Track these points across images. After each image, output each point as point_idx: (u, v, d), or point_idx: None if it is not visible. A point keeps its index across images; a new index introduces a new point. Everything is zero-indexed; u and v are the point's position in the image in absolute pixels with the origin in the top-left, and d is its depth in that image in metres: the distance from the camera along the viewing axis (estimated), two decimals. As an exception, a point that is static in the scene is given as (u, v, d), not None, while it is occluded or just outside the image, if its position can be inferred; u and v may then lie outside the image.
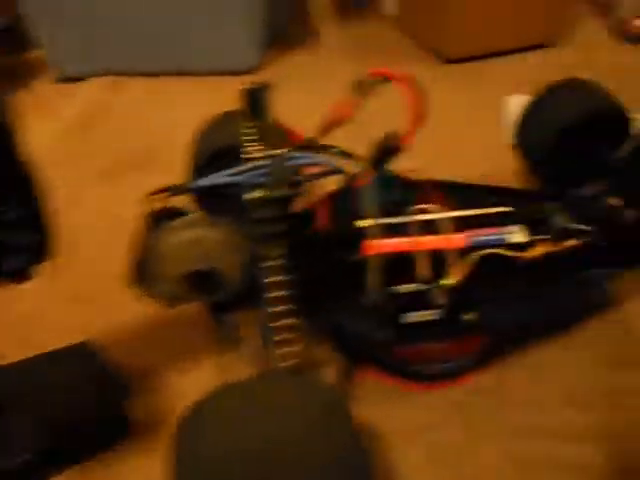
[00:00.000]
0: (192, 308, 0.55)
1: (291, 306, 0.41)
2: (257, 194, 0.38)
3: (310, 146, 0.58)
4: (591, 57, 1.19)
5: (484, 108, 1.01)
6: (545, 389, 0.55)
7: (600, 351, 0.59)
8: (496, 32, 1.13)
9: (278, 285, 0.40)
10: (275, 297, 0.41)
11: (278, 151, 0.44)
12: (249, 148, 0.48)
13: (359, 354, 0.57)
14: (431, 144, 0.92)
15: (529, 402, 0.55)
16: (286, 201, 0.39)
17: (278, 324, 0.41)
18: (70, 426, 0.48)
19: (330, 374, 0.56)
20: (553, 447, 0.51)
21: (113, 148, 0.92)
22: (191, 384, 0.56)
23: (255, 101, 0.50)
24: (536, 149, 0.70)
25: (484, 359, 0.57)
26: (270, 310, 0.41)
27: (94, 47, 1.06)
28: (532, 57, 1.18)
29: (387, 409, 0.54)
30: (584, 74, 1.11)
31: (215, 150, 0.57)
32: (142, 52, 1.07)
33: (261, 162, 0.45)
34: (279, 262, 0.39)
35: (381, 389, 0.56)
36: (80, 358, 0.55)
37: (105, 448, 0.51)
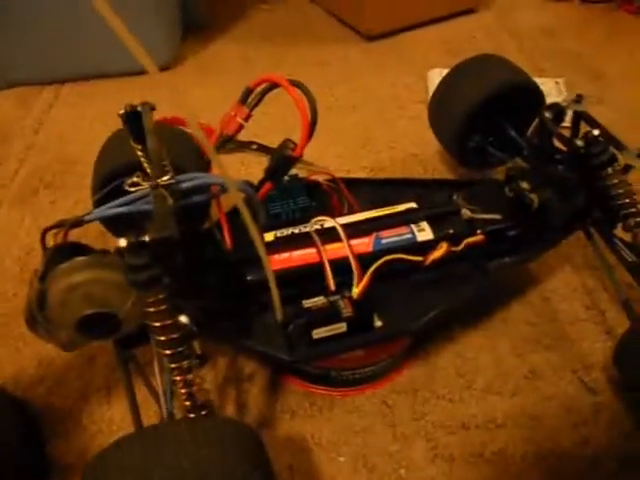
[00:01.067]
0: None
1: (184, 348, 0.39)
2: (127, 240, 0.36)
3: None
4: (515, 19, 1.18)
5: (408, 85, 0.99)
6: (468, 379, 0.56)
7: (520, 333, 0.59)
8: (414, 3, 1.10)
9: (166, 329, 0.38)
10: (166, 340, 0.39)
11: (158, 180, 0.41)
12: (134, 177, 0.46)
13: (280, 368, 0.57)
14: (355, 130, 0.90)
15: (453, 394, 0.55)
16: (168, 240, 0.37)
17: (174, 366, 0.40)
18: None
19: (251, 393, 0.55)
20: (477, 437, 0.52)
21: (24, 167, 0.87)
22: (112, 421, 0.55)
23: (137, 124, 0.47)
24: (444, 130, 0.68)
25: (406, 356, 0.57)
26: (163, 352, 0.39)
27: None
28: (453, 25, 1.16)
29: (317, 418, 0.54)
30: (507, 39, 1.11)
31: (109, 172, 0.54)
32: (47, 59, 1.01)
33: (144, 191, 0.43)
34: (162, 307, 0.37)
35: (310, 398, 0.56)
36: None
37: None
